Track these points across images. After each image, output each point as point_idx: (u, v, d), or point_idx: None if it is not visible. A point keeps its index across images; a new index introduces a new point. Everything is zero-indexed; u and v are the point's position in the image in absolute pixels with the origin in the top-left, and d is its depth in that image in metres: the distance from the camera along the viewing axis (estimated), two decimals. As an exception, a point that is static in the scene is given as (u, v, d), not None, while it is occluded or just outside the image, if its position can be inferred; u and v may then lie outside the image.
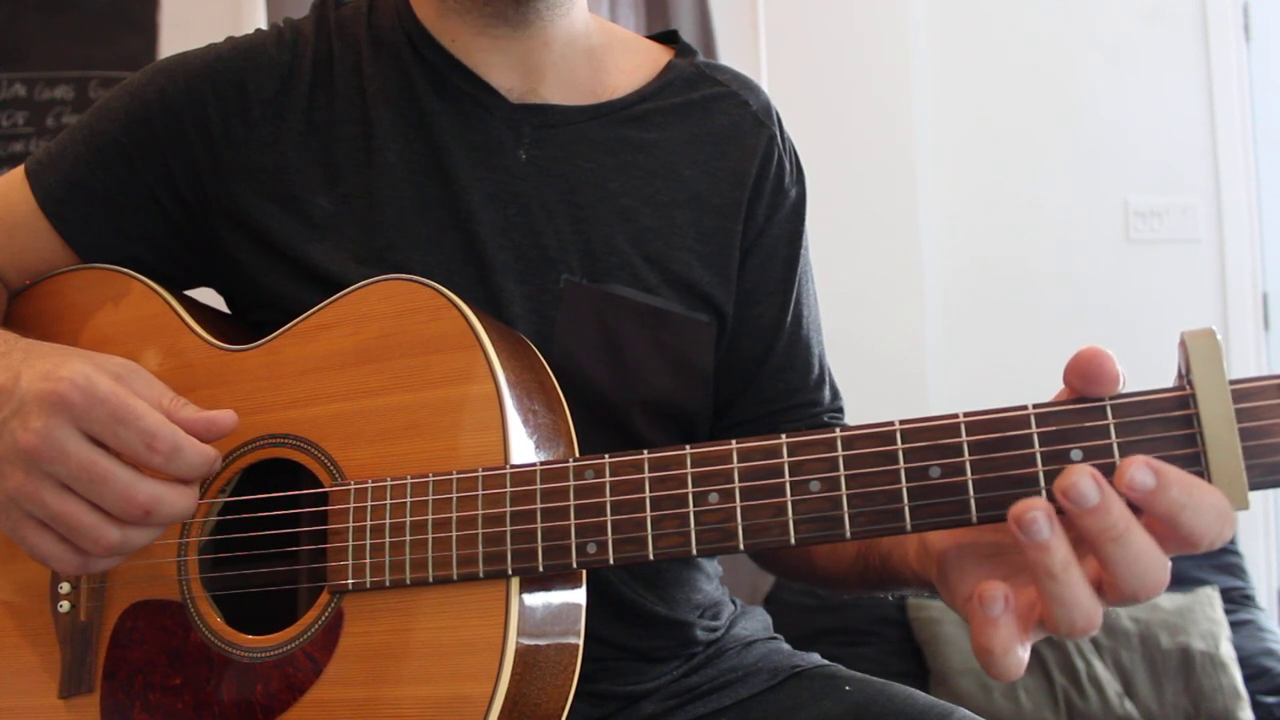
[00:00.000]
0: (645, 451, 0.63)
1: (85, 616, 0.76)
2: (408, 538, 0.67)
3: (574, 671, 0.67)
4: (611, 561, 0.62)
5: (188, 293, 0.88)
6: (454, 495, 0.66)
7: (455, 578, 0.65)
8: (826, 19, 2.66)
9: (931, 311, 2.65)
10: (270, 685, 0.68)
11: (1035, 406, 0.55)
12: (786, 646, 0.94)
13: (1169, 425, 0.53)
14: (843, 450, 0.58)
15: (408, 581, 0.66)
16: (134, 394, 0.65)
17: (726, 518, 0.60)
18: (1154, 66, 2.67)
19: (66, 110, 2.56)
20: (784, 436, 0.60)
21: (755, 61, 2.61)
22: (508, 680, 0.63)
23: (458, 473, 0.66)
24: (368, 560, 0.67)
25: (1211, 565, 2.26)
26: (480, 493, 0.65)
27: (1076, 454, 0.54)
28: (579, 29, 0.90)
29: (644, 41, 0.97)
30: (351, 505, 0.69)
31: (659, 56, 0.94)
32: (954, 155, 2.69)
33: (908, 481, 0.56)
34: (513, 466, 0.66)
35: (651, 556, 0.61)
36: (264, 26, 0.93)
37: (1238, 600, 2.25)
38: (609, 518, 0.62)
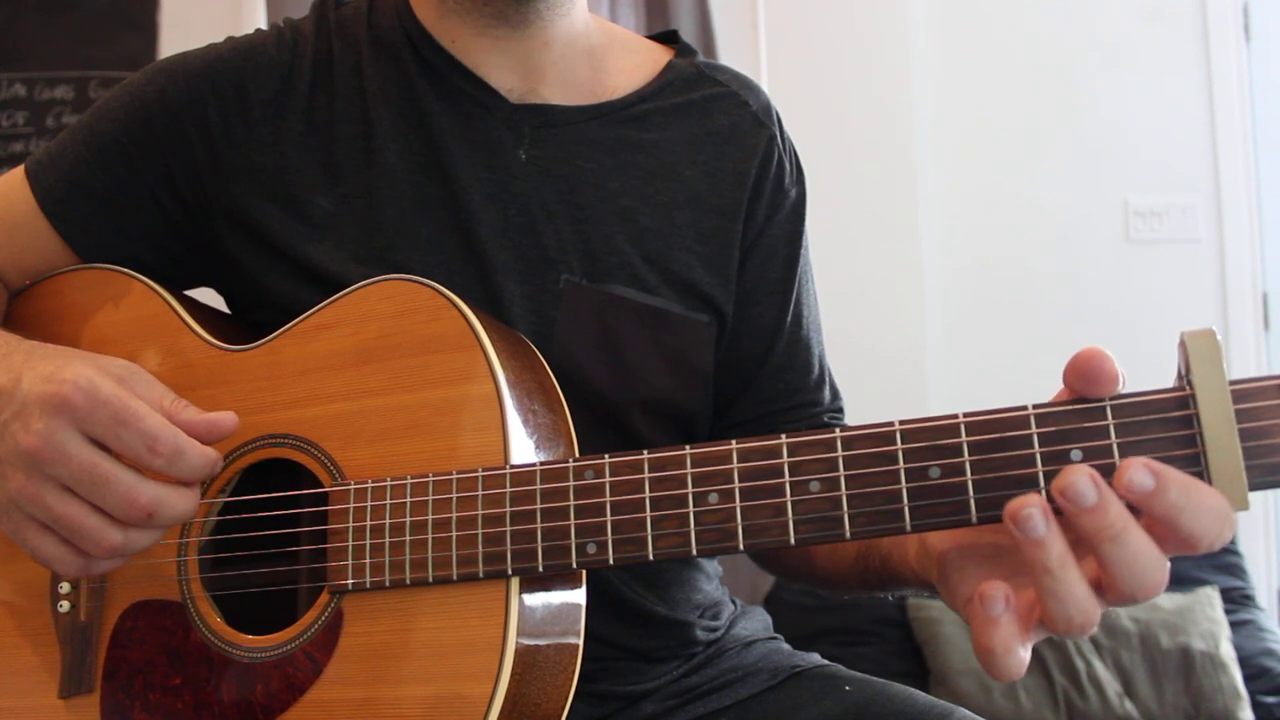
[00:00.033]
0: (645, 451, 0.63)
1: (85, 616, 0.76)
2: (407, 538, 0.67)
3: (574, 671, 0.67)
4: (611, 561, 0.62)
5: (188, 293, 0.88)
6: (454, 495, 0.66)
7: (455, 578, 0.65)
8: (826, 19, 2.66)
9: (931, 311, 2.65)
10: (270, 685, 0.68)
11: (1035, 407, 0.55)
12: (786, 646, 0.94)
13: (1169, 426, 0.53)
14: (842, 450, 0.58)
15: (408, 581, 0.66)
16: (136, 396, 0.65)
17: (726, 518, 0.60)
18: (1154, 66, 2.67)
19: (66, 110, 2.56)
20: (784, 437, 0.60)
21: (755, 61, 2.61)
22: (507, 680, 0.63)
23: (458, 473, 0.66)
24: (367, 560, 0.67)
25: (1211, 565, 2.26)
26: (480, 493, 0.65)
27: (1076, 454, 0.54)
28: (579, 29, 0.90)
29: (644, 41, 0.97)
30: (351, 505, 0.69)
31: (659, 56, 0.94)
32: (954, 155, 2.69)
33: (907, 482, 0.56)
34: (513, 466, 0.66)
35: (651, 557, 0.61)
36: (264, 26, 0.93)
37: (1238, 600, 2.25)
38: (609, 518, 0.62)
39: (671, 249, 0.86)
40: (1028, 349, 2.53)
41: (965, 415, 0.56)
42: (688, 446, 0.62)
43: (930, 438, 0.56)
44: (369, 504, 0.68)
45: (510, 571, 0.64)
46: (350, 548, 0.68)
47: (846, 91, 2.63)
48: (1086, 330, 2.57)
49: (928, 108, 2.68)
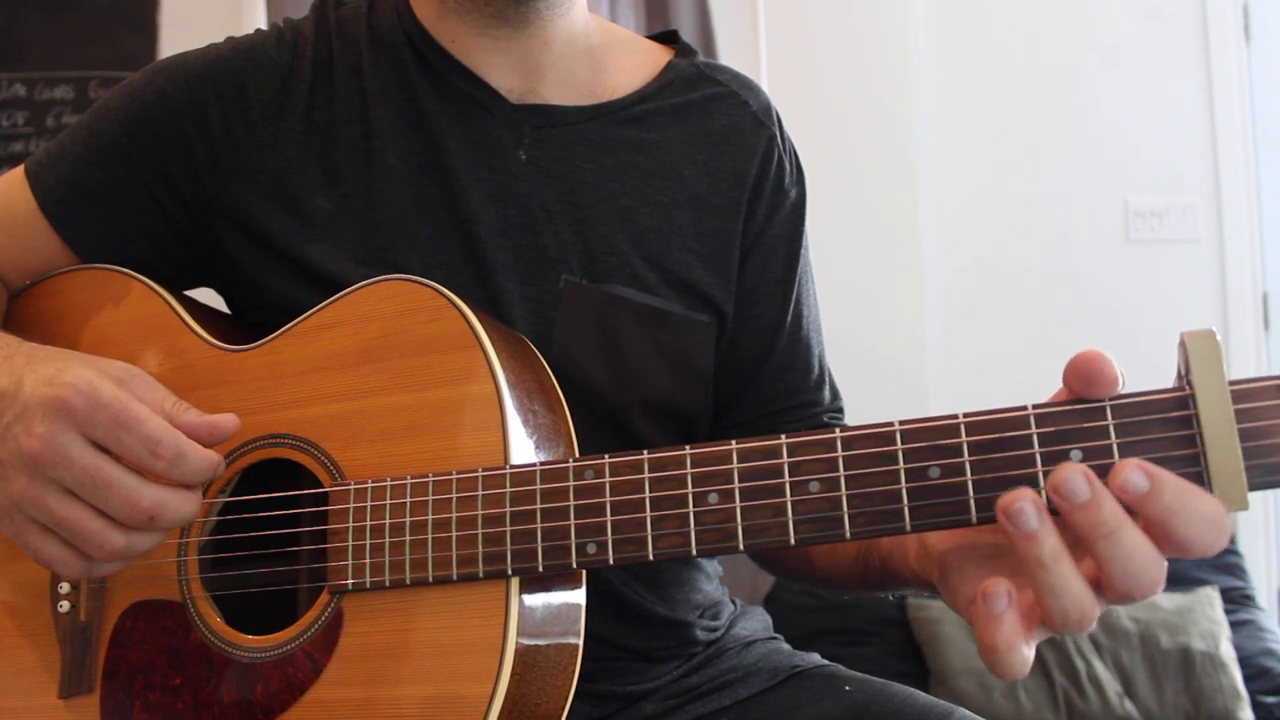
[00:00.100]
0: (645, 452, 0.63)
1: (85, 616, 0.76)
2: (407, 538, 0.67)
3: (574, 671, 0.67)
4: (611, 562, 0.62)
5: (188, 293, 0.88)
6: (454, 495, 0.66)
7: (455, 578, 0.65)
8: (826, 19, 2.66)
9: (931, 311, 2.65)
10: (270, 685, 0.68)
11: (1035, 407, 0.55)
12: (786, 646, 0.94)
13: (1169, 426, 0.53)
14: (842, 450, 0.58)
15: (408, 581, 0.66)
16: (137, 399, 0.65)
17: (726, 518, 0.60)
18: (1154, 66, 2.67)
19: (66, 110, 2.56)
20: (784, 437, 0.60)
21: (755, 61, 2.61)
22: (507, 680, 0.63)
23: (458, 473, 0.66)
24: (367, 560, 0.67)
25: (1211, 565, 2.26)
26: (480, 493, 0.65)
27: (1076, 454, 0.54)
28: (579, 29, 0.90)
29: (644, 41, 0.97)
30: (351, 505, 0.69)
31: (659, 56, 0.94)
32: (954, 155, 2.69)
33: (907, 482, 0.57)
34: (513, 467, 0.66)
35: (651, 557, 0.62)
36: (264, 26, 0.93)
37: (1238, 600, 2.25)
38: (609, 518, 0.62)
39: (671, 249, 0.86)
40: (1028, 349, 2.53)
41: (965, 415, 0.56)
42: (688, 446, 0.62)
43: (930, 438, 0.56)
44: (369, 504, 0.68)
45: (510, 571, 0.64)
46: (350, 548, 0.68)
47: (846, 91, 2.63)
48: (1086, 330, 2.57)
49: (928, 108, 2.68)
